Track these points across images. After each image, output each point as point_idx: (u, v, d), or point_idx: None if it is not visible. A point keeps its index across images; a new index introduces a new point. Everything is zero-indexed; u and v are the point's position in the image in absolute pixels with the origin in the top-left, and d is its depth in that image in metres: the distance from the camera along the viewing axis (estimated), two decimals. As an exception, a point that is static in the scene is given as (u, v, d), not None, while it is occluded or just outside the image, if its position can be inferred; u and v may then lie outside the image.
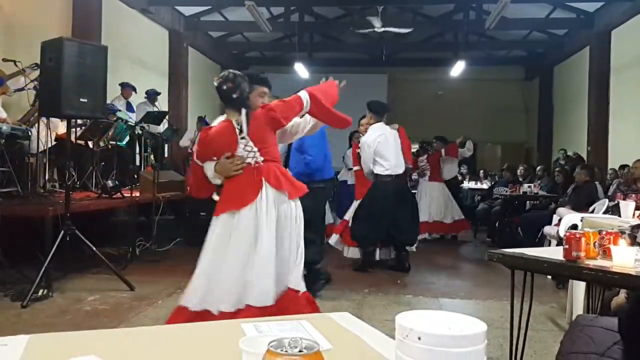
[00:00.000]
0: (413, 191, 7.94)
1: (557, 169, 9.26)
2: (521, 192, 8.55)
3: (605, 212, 4.91)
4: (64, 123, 6.29)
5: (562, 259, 2.35)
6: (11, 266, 4.99)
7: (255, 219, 3.02)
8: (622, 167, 8.52)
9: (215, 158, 3.14)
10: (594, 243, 2.38)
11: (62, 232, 4.77)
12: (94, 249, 5.02)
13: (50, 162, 6.51)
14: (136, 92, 9.19)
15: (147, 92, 9.58)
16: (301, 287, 3.14)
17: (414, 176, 9.13)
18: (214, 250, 3.04)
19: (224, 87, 3.12)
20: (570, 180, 7.90)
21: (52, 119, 6.21)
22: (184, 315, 2.95)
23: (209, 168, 3.17)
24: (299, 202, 3.18)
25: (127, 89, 8.98)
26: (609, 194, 6.95)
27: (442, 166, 8.98)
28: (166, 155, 10.06)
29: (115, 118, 7.72)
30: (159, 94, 9.69)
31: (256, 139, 3.09)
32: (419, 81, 15.93)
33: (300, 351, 0.86)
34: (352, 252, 6.30)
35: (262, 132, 3.12)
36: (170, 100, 11.76)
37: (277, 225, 3.05)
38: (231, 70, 3.21)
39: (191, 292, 3.01)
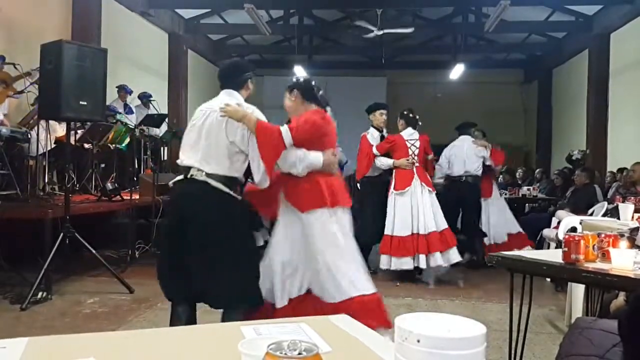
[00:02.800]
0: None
1: (555, 172, 9.27)
2: (520, 195, 8.55)
3: (604, 215, 4.91)
4: (62, 126, 6.30)
5: (561, 261, 2.35)
6: (10, 269, 4.99)
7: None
8: (620, 170, 8.51)
9: (307, 148, 3.04)
10: (593, 246, 2.38)
11: (62, 234, 4.77)
12: (94, 251, 5.02)
13: (49, 164, 6.52)
14: (130, 94, 9.16)
15: (139, 97, 9.56)
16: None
17: None
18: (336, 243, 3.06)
19: (313, 82, 3.25)
20: (569, 183, 7.91)
21: (50, 122, 6.21)
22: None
23: (315, 156, 3.06)
24: None
25: (122, 91, 8.98)
26: (608, 196, 6.96)
27: None
28: (165, 157, 10.06)
29: (115, 120, 7.72)
30: (150, 96, 9.66)
31: None
32: (418, 84, 15.92)
33: (299, 354, 0.86)
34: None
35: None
36: (170, 102, 11.76)
37: None
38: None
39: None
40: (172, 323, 3.03)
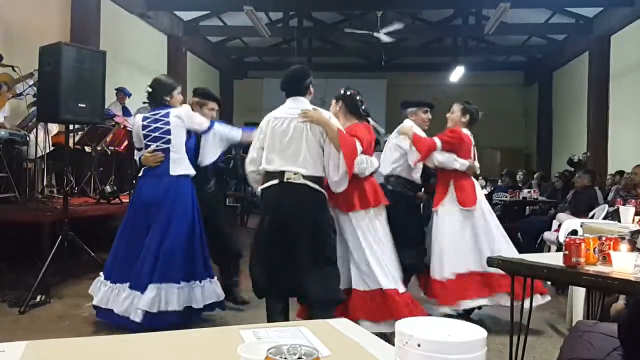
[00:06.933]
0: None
1: (556, 175, 9.26)
2: (521, 198, 8.54)
3: (604, 218, 4.90)
4: (59, 126, 6.29)
5: (562, 264, 2.34)
6: (9, 272, 4.98)
7: None
8: (620, 172, 8.50)
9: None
10: (594, 249, 2.37)
11: (60, 237, 4.75)
12: (92, 254, 5.00)
13: (48, 167, 6.50)
14: (129, 97, 9.14)
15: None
16: None
17: None
18: None
19: (358, 97, 3.71)
20: (569, 186, 7.90)
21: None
22: None
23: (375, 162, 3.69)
24: None
25: (121, 94, 8.95)
26: (609, 199, 6.95)
27: None
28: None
29: (113, 123, 7.71)
30: None
31: None
32: (418, 86, 15.90)
33: (299, 358, 0.85)
34: None
35: None
36: (169, 105, 11.74)
37: None
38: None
39: None
40: (271, 318, 3.34)
